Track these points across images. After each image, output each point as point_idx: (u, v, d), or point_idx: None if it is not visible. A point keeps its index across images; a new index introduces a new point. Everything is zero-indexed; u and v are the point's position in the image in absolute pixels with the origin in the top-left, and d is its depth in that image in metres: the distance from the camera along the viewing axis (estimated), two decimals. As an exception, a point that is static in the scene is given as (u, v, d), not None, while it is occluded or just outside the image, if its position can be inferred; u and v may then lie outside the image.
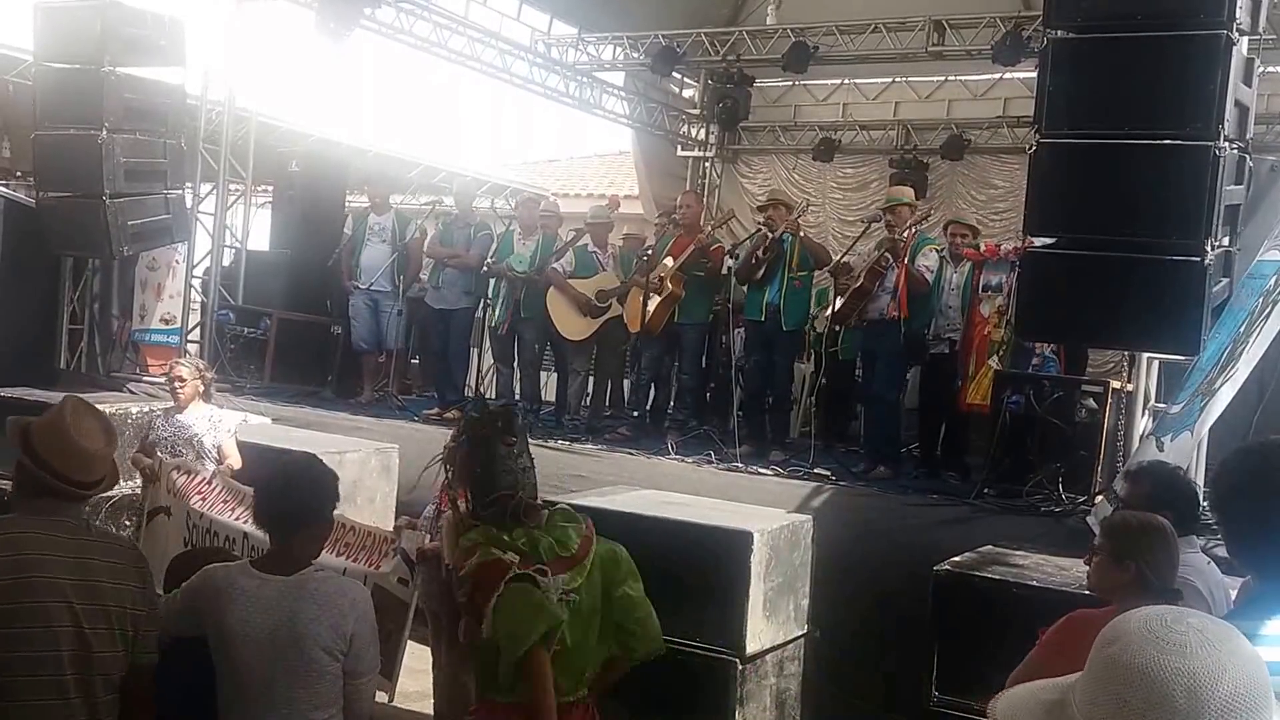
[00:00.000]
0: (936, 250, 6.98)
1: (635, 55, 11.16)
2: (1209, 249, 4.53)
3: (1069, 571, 4.25)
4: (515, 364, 8.50)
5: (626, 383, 9.25)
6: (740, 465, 6.66)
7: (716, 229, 8.59)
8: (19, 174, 11.30)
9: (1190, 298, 4.54)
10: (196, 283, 9.60)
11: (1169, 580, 2.70)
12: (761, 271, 7.23)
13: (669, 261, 7.53)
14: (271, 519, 2.81)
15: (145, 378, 8.73)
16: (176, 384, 5.67)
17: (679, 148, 13.27)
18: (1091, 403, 5.67)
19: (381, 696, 4.61)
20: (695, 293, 7.77)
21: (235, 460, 5.69)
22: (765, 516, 5.15)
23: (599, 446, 7.18)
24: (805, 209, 7.86)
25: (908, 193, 7.57)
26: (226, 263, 9.75)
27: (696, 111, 13.01)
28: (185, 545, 5.23)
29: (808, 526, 5.17)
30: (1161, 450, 4.96)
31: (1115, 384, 5.87)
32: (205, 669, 2.70)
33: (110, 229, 7.74)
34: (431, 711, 4.98)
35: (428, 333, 9.03)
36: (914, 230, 6.88)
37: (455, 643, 4.72)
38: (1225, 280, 4.88)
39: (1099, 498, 5.22)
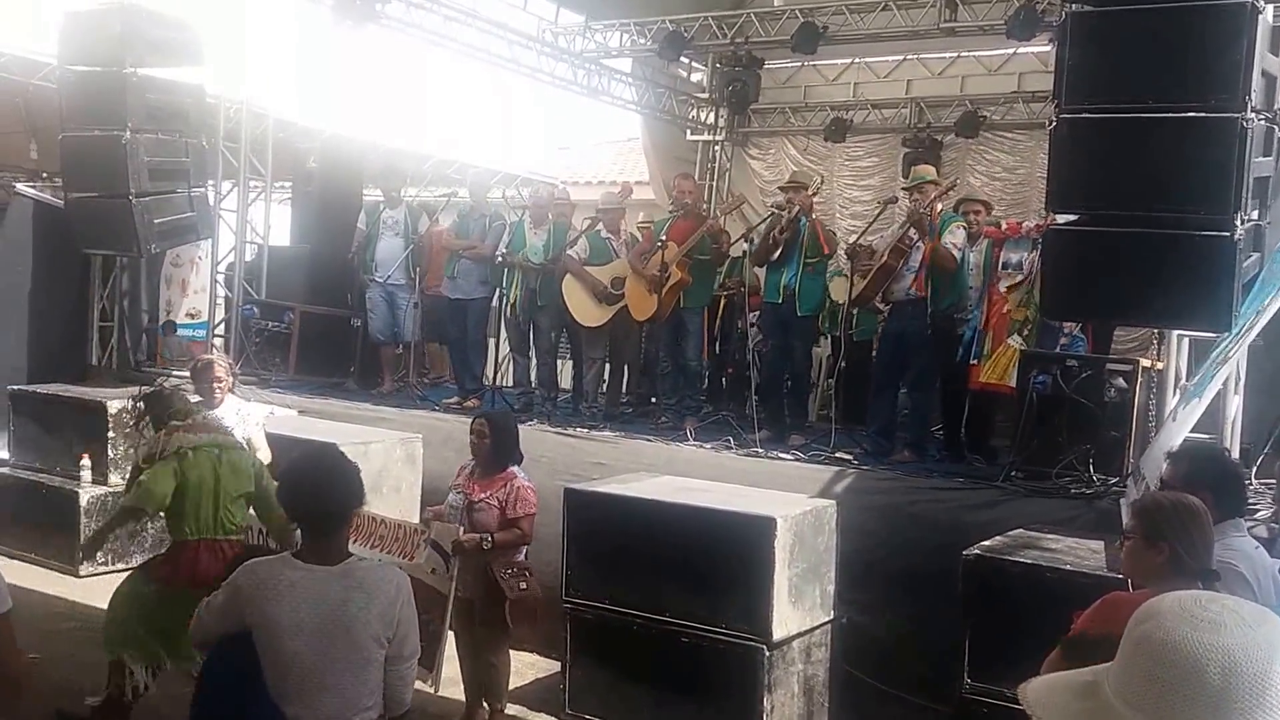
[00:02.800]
0: (963, 227, 6.85)
1: (643, 41, 11.08)
2: (1238, 223, 4.43)
3: (1101, 555, 4.21)
4: (531, 352, 8.51)
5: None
6: (760, 450, 6.62)
7: (727, 214, 8.55)
8: (46, 175, 11.45)
9: (1220, 273, 4.45)
10: (220, 278, 9.69)
11: (1205, 561, 2.64)
12: (778, 252, 7.18)
13: (673, 246, 7.50)
14: (309, 519, 2.83)
15: (174, 372, 8.83)
16: (215, 384, 5.74)
17: (688, 132, 13.17)
18: (1121, 382, 5.55)
19: (427, 687, 4.69)
20: (699, 277, 7.75)
21: (265, 453, 5.76)
22: (788, 502, 5.14)
23: (616, 433, 7.16)
24: (820, 185, 7.79)
25: (931, 171, 7.48)
26: (249, 258, 9.83)
27: (705, 96, 12.90)
28: None
29: (831, 511, 5.15)
30: (1174, 420, 4.91)
31: (1145, 362, 5.76)
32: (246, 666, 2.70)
33: (137, 227, 7.80)
34: (463, 697, 5.01)
35: (444, 323, 9.05)
36: (940, 206, 6.80)
37: (486, 627, 4.77)
38: (1256, 255, 4.79)
39: (1129, 480, 5.16)
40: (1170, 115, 4.61)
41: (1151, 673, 1.19)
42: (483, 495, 4.83)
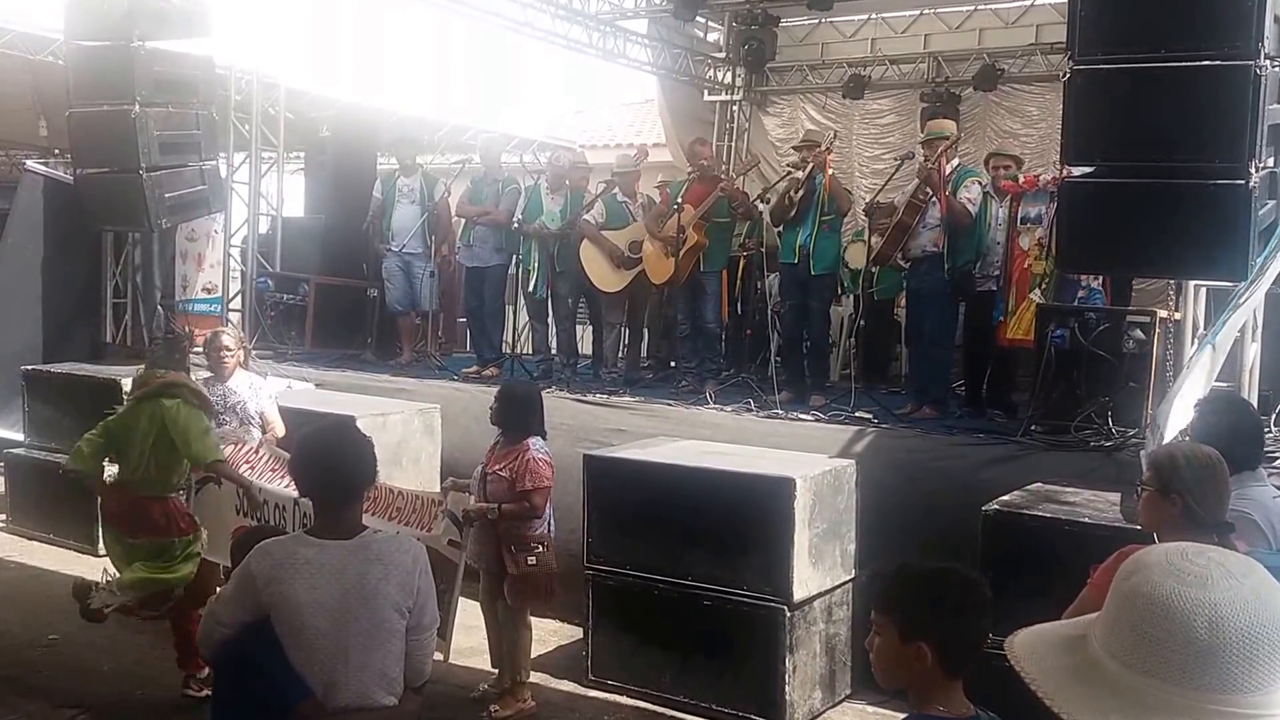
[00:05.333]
0: (979, 183, 6.75)
1: (658, 1, 10.94)
2: (1253, 171, 4.39)
3: (1120, 507, 4.21)
4: (550, 319, 8.49)
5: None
6: (780, 411, 6.60)
7: (742, 175, 8.46)
8: (57, 152, 11.45)
9: (1236, 222, 4.41)
10: (235, 251, 9.69)
11: (1217, 513, 2.64)
12: (794, 212, 7.13)
13: (689, 209, 7.44)
14: (322, 492, 2.80)
15: (191, 348, 8.88)
16: (224, 354, 5.75)
17: (705, 93, 13.03)
18: (1139, 333, 5.50)
19: (437, 656, 4.73)
20: (716, 239, 7.69)
21: (279, 426, 5.79)
22: (807, 462, 5.15)
23: (636, 398, 7.17)
24: (834, 139, 7.67)
25: (947, 126, 7.33)
26: (263, 231, 9.83)
27: (722, 55, 12.76)
28: (237, 513, 5.34)
29: (851, 471, 5.16)
30: (1188, 368, 4.87)
31: (1163, 313, 5.70)
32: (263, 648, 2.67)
33: (148, 202, 7.79)
34: (490, 665, 5.08)
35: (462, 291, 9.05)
36: (952, 161, 6.70)
37: (503, 597, 4.82)
38: (1272, 202, 4.73)
39: (1147, 431, 5.14)
40: (1184, 64, 4.55)
41: (1138, 628, 1.19)
42: (496, 467, 4.84)
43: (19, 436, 7.83)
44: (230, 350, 5.82)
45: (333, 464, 2.79)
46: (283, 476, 5.34)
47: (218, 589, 5.05)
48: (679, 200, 7.49)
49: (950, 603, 1.89)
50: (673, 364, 8.59)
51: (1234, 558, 1.24)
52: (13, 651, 5.40)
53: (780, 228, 7.41)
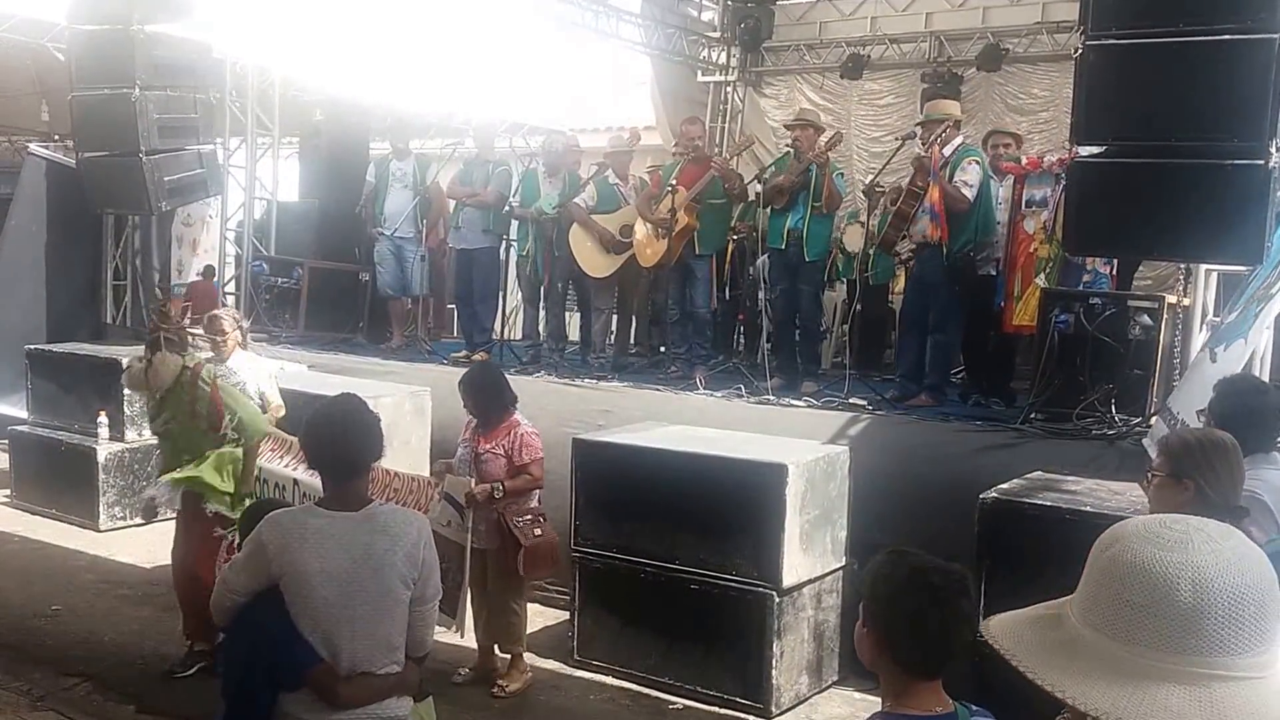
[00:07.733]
0: (977, 163, 6.54)
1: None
2: (1273, 150, 4.27)
3: (1123, 496, 4.09)
4: (543, 303, 8.38)
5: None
6: (772, 398, 6.49)
7: (736, 156, 8.30)
8: (57, 137, 11.45)
9: (1253, 203, 4.29)
10: (230, 235, 9.63)
11: (1230, 498, 2.59)
12: (785, 198, 6.97)
13: (682, 191, 7.28)
14: (331, 464, 2.85)
15: (189, 330, 8.84)
16: (219, 336, 5.71)
17: (699, 73, 12.87)
18: (1146, 319, 5.37)
19: (454, 636, 4.73)
20: (709, 222, 7.51)
21: (279, 406, 5.74)
22: (800, 448, 5.07)
23: (625, 383, 7.05)
24: (837, 140, 7.49)
25: (948, 107, 7.13)
26: (258, 215, 9.76)
27: (717, 35, 12.61)
28: None
29: (844, 457, 5.06)
30: (1215, 361, 4.74)
31: (1171, 299, 5.57)
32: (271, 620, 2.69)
33: (148, 185, 7.82)
34: (475, 645, 5.00)
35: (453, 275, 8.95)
36: (949, 145, 6.54)
37: (503, 576, 4.73)
38: (1289, 183, 4.60)
39: (1154, 419, 5.01)
40: (1202, 39, 4.41)
41: (1120, 596, 1.17)
42: (488, 446, 4.80)
43: (23, 414, 7.94)
44: (226, 333, 5.77)
45: (341, 439, 2.84)
46: (281, 457, 5.34)
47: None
48: (672, 182, 7.35)
49: (900, 596, 1.78)
50: (662, 349, 8.46)
51: (1211, 523, 1.21)
52: (17, 621, 5.49)
53: (768, 210, 7.24)
